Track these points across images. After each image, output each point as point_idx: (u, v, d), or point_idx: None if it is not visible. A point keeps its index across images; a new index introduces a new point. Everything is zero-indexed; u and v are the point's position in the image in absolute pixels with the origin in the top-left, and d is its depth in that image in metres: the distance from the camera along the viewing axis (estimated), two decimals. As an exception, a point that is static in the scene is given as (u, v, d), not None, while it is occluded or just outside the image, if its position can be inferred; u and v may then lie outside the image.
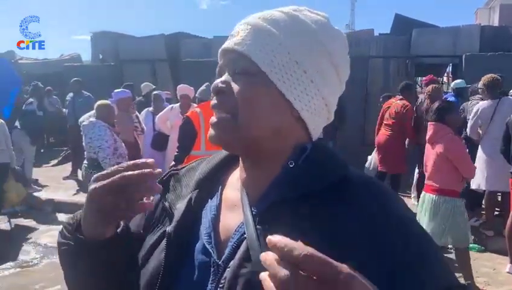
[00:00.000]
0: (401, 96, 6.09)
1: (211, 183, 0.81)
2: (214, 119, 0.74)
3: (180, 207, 0.79)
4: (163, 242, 0.76)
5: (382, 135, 6.13)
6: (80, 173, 7.15)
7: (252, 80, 0.71)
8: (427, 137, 3.80)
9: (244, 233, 0.69)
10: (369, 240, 0.63)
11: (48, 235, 5.66)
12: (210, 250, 0.73)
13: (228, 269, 0.69)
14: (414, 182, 6.37)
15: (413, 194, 6.39)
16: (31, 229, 5.90)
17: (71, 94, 8.29)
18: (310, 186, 0.68)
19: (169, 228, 0.77)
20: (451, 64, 10.01)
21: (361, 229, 0.64)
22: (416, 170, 6.24)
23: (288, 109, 0.72)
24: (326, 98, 0.75)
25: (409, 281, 0.62)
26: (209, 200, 0.80)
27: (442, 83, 12.49)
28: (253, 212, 0.70)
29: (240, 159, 0.79)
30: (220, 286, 0.69)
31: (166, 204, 0.82)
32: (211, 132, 0.75)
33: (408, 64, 8.76)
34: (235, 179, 0.80)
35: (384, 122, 6.12)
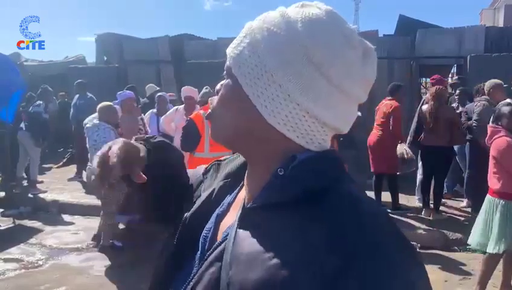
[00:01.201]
0: (390, 97, 6.07)
1: (238, 178, 0.81)
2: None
3: (203, 196, 0.83)
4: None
5: (373, 135, 6.17)
6: (84, 175, 7.17)
7: (228, 81, 0.72)
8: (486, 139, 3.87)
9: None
10: (318, 259, 0.58)
11: (53, 236, 5.68)
12: (200, 244, 0.76)
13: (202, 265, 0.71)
14: (417, 184, 6.35)
15: (417, 196, 6.37)
16: (36, 231, 5.91)
17: (77, 96, 8.35)
18: (288, 195, 0.65)
19: (187, 214, 0.81)
20: (455, 65, 9.97)
21: (315, 244, 0.59)
22: (419, 172, 6.21)
23: (263, 119, 0.68)
24: (305, 106, 0.67)
25: None
26: (228, 195, 0.81)
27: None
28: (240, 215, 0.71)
29: None
30: (193, 280, 0.72)
31: (202, 189, 0.88)
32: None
33: (412, 65, 8.74)
34: None
35: (376, 123, 6.16)
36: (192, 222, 0.79)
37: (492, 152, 3.74)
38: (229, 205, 0.79)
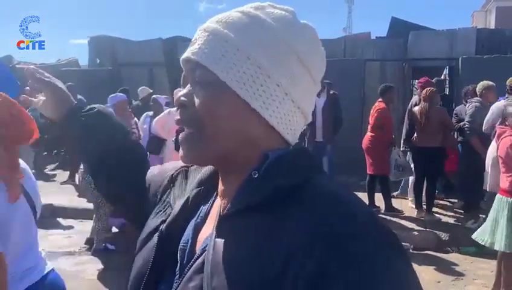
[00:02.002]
0: (380, 99, 6.13)
1: (212, 185, 0.77)
2: (181, 136, 0.70)
3: (178, 205, 0.78)
4: (155, 238, 0.76)
5: (365, 137, 6.26)
6: (77, 178, 7.13)
7: (212, 90, 0.66)
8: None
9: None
10: (298, 260, 0.56)
11: (46, 240, 5.64)
12: (179, 257, 0.72)
13: (182, 279, 0.68)
14: (410, 185, 6.38)
15: (410, 197, 6.40)
16: (29, 234, 5.86)
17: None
18: (260, 197, 0.63)
19: (163, 226, 0.76)
20: (447, 66, 10.04)
21: (293, 242, 0.57)
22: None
23: (256, 116, 0.66)
24: (298, 101, 0.69)
25: None
26: (203, 204, 0.76)
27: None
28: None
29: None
30: None
31: (171, 197, 0.83)
32: (181, 152, 0.70)
33: (405, 67, 8.79)
34: None
35: (369, 125, 6.24)
36: (169, 233, 0.75)
37: (499, 152, 3.81)
38: (206, 214, 0.75)
